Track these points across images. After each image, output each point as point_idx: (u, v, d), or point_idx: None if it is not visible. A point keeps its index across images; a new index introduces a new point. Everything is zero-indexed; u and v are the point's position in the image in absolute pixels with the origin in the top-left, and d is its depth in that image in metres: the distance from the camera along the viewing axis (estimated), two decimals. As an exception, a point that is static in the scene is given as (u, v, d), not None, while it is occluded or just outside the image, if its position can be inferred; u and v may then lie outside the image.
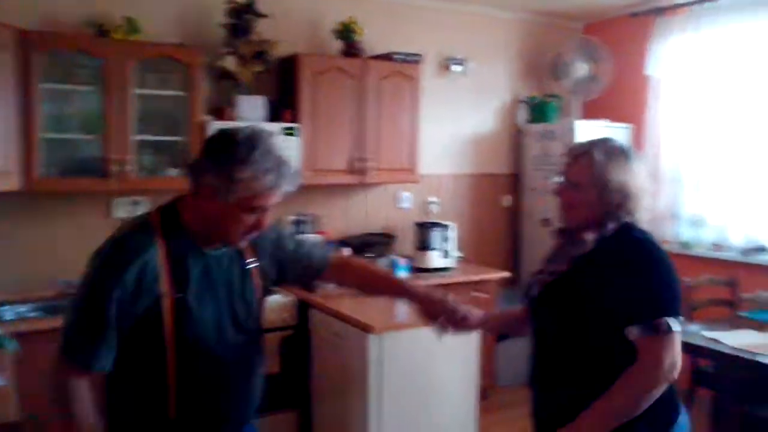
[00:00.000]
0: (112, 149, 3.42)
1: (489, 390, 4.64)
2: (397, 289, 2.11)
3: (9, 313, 3.16)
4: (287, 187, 1.63)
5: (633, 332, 1.68)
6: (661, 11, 4.66)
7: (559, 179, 1.87)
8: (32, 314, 3.24)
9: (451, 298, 2.00)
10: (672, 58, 4.61)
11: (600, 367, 1.73)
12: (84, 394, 1.59)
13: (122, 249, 1.61)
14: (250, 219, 1.62)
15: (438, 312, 2.00)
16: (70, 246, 3.43)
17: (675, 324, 1.67)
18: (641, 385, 1.66)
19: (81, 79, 3.45)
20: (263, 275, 1.83)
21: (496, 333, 1.99)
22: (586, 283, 1.75)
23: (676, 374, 1.68)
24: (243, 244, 1.71)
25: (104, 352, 1.58)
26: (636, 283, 1.70)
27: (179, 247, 1.64)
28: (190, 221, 1.67)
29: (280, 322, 3.62)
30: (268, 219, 1.66)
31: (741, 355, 3.07)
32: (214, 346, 1.68)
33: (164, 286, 1.59)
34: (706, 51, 4.45)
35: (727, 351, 3.13)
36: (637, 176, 1.79)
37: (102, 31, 3.48)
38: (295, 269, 1.94)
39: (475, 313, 2.03)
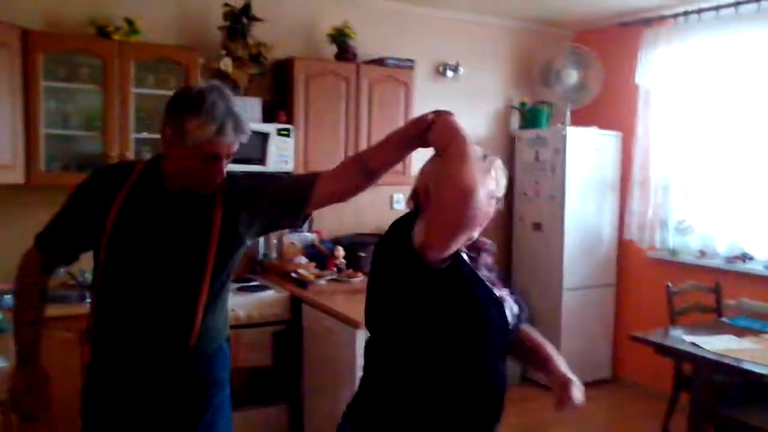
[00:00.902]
0: (112, 146, 3.53)
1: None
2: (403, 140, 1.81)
3: (10, 300, 3.25)
4: (236, 135, 1.78)
5: None
6: (648, 22, 4.77)
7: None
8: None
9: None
10: (660, 68, 4.71)
11: None
12: (31, 260, 1.91)
13: (97, 172, 1.99)
14: (206, 166, 1.78)
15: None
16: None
17: None
18: None
19: (82, 77, 3.56)
20: (230, 225, 1.88)
21: None
22: None
23: None
24: (209, 189, 1.85)
25: (53, 244, 1.90)
26: None
27: (145, 184, 1.88)
28: (166, 169, 1.87)
29: (273, 317, 3.71)
30: (224, 166, 1.81)
31: (722, 360, 3.14)
32: (139, 272, 1.86)
33: (116, 205, 1.84)
34: (693, 61, 4.55)
35: (708, 356, 3.21)
36: None
37: (103, 31, 3.59)
38: (283, 196, 1.92)
39: None
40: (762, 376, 2.96)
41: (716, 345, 3.31)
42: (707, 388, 3.36)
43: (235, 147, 1.81)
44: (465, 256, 1.65)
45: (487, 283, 1.65)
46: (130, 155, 3.57)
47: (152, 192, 1.86)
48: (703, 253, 4.60)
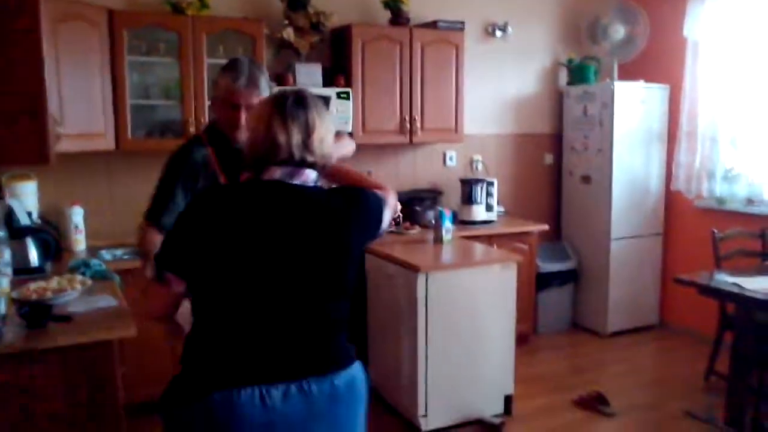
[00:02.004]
0: (189, 112, 3.88)
1: (529, 336, 5.01)
2: None
3: (107, 255, 3.67)
4: (258, 89, 2.23)
5: None
6: (697, -26, 4.83)
7: None
8: (125, 256, 3.73)
9: None
10: (708, 20, 4.78)
11: None
12: (152, 237, 2.19)
13: (182, 150, 2.32)
14: (232, 114, 2.23)
15: None
16: (154, 199, 3.92)
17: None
18: None
19: (161, 51, 3.89)
20: None
21: None
22: None
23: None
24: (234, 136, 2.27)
25: (167, 215, 2.19)
26: None
27: (219, 146, 2.31)
28: (220, 126, 2.33)
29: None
30: (244, 116, 2.21)
31: (762, 298, 3.33)
32: None
33: (215, 167, 2.28)
34: (741, 13, 4.62)
35: (748, 294, 3.38)
36: None
37: (177, 8, 3.89)
38: None
39: None
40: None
41: (756, 284, 3.48)
42: (749, 326, 3.55)
43: (253, 99, 2.20)
44: None
45: None
46: (205, 120, 3.90)
47: (227, 148, 2.29)
48: (750, 201, 4.73)
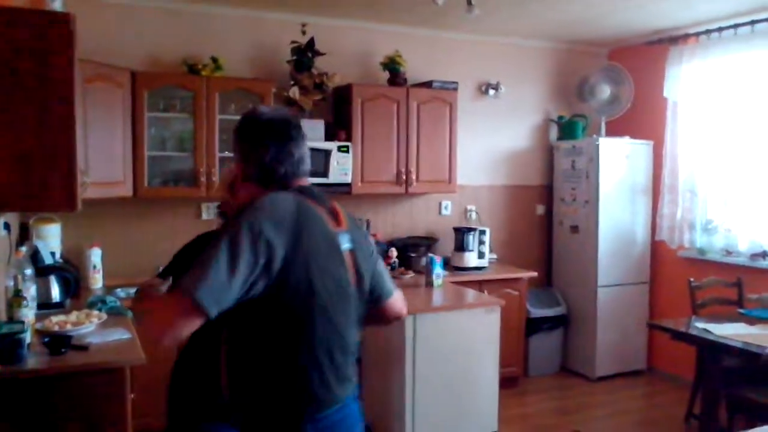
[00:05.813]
0: (201, 164, 4.24)
1: (519, 378, 5.23)
2: None
3: (122, 293, 3.97)
4: None
5: None
6: (674, 40, 5.20)
7: None
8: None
9: None
10: (686, 82, 5.13)
11: None
12: None
13: None
14: None
15: None
16: (167, 240, 4.18)
17: None
18: None
19: (177, 108, 4.28)
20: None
21: None
22: None
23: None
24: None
25: None
26: None
27: None
28: None
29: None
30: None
31: (725, 342, 3.56)
32: None
33: None
34: (714, 76, 4.96)
35: (713, 339, 3.64)
36: None
37: (193, 69, 4.30)
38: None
39: None
40: (757, 355, 3.38)
41: (725, 331, 3.73)
42: (717, 370, 3.77)
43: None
44: None
45: None
46: (216, 171, 4.26)
47: None
48: (728, 252, 4.98)
